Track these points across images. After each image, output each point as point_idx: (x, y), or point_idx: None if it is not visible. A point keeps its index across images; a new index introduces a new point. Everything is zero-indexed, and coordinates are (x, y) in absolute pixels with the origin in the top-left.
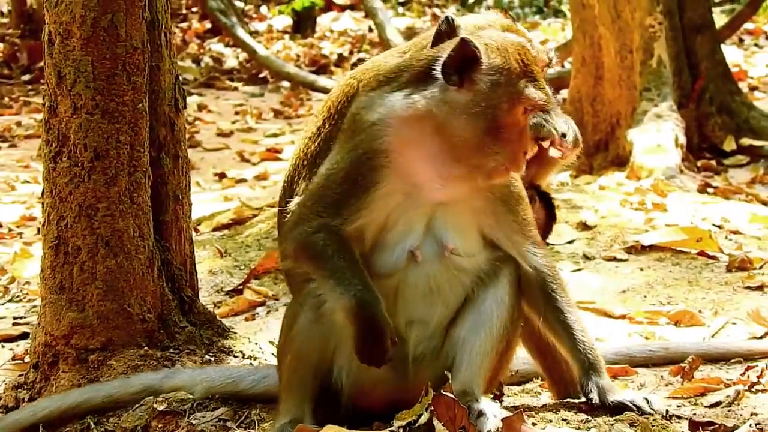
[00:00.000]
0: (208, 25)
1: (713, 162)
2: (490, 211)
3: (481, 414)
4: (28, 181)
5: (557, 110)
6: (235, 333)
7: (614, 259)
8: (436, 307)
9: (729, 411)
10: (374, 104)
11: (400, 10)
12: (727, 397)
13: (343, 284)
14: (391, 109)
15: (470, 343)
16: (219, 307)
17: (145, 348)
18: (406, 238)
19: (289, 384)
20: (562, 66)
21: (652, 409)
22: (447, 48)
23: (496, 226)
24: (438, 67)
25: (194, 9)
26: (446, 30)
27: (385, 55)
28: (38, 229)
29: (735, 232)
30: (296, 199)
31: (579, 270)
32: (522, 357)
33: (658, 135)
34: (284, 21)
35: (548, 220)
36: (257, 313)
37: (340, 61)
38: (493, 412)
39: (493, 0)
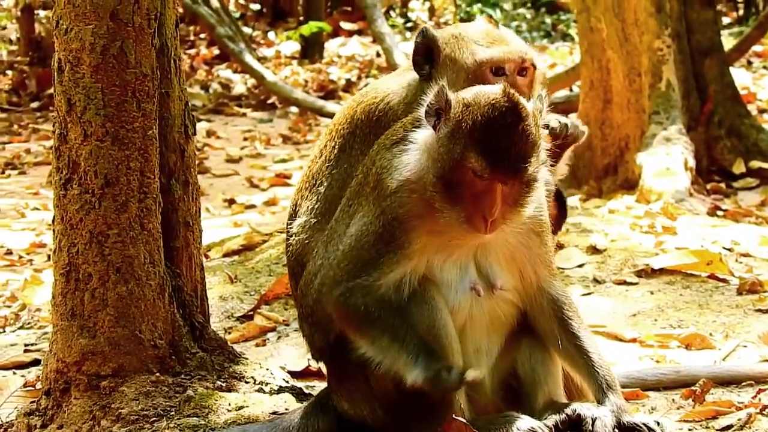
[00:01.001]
0: (216, 51)
1: (723, 185)
2: (524, 245)
3: (594, 419)
4: (37, 208)
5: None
6: (246, 359)
7: (624, 282)
8: (495, 337)
9: None
10: (392, 168)
11: (408, 35)
12: (739, 420)
13: (399, 341)
14: (405, 174)
15: (540, 362)
16: (230, 333)
17: (157, 374)
18: (463, 276)
19: None
20: (571, 90)
21: None
22: (429, 93)
23: (528, 258)
24: (422, 113)
25: (202, 35)
26: (423, 42)
27: (384, 79)
28: (49, 256)
29: (745, 255)
30: (322, 251)
31: (589, 294)
32: None
33: (667, 158)
34: (292, 47)
35: (559, 217)
36: (268, 339)
37: (348, 86)
38: (598, 411)
39: (500, 24)
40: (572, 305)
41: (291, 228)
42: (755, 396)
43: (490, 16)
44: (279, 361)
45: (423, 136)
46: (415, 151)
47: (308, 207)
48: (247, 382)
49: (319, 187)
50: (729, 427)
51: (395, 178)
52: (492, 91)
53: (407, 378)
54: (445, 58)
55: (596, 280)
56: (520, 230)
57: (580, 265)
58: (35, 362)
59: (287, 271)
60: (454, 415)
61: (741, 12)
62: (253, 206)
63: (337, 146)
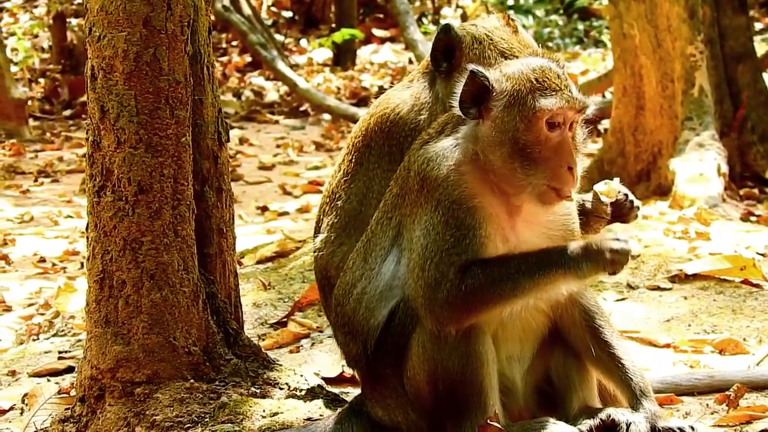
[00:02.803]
0: (248, 58)
1: (756, 190)
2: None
3: (629, 424)
4: (70, 216)
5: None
6: (281, 365)
7: (658, 288)
8: (527, 345)
9: None
10: (433, 160)
11: None
12: None
13: (537, 264)
14: (450, 159)
15: (574, 368)
16: (263, 340)
17: (191, 381)
18: None
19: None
20: (604, 96)
21: None
22: (460, 84)
23: None
24: (456, 107)
25: (234, 43)
26: (445, 39)
27: (394, 88)
28: (82, 264)
29: None
30: (360, 262)
31: (623, 299)
32: None
33: (700, 164)
34: (324, 54)
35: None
36: (302, 345)
37: (381, 93)
38: (633, 417)
39: (533, 30)
40: (603, 314)
41: (315, 243)
42: None
43: (508, 16)
44: (313, 368)
45: (468, 132)
46: (455, 143)
47: (328, 222)
48: (281, 389)
49: (337, 202)
50: (763, 431)
51: (441, 165)
52: (527, 58)
53: (574, 275)
54: (470, 62)
55: (630, 286)
56: (553, 237)
57: None
58: (69, 369)
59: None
60: (488, 421)
61: None
62: (286, 213)
63: (354, 160)
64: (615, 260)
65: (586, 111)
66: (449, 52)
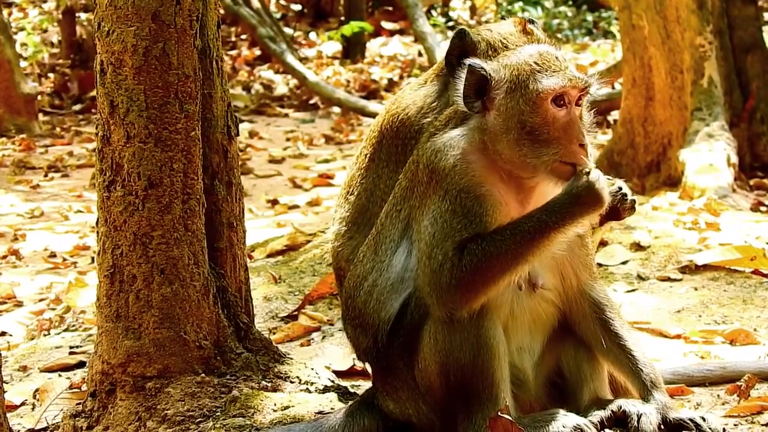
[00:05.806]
0: (257, 52)
1: (765, 180)
2: (566, 245)
3: (640, 415)
4: (81, 211)
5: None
6: (291, 359)
7: (668, 279)
8: (537, 336)
9: None
10: (440, 151)
11: (449, 34)
12: None
13: (531, 229)
14: (456, 149)
15: (585, 359)
16: (274, 333)
17: (202, 375)
18: None
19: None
20: (613, 87)
21: (710, 428)
22: (461, 80)
23: (569, 259)
24: (461, 103)
25: (244, 36)
26: (460, 45)
27: (408, 88)
28: (92, 258)
29: None
30: (371, 254)
31: (633, 290)
32: None
33: (709, 155)
34: (334, 47)
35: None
36: (312, 339)
37: (390, 86)
38: (644, 408)
39: (542, 21)
40: (614, 306)
41: (328, 235)
42: None
43: (524, 21)
44: (324, 361)
45: (474, 126)
46: (462, 133)
47: (340, 215)
48: (292, 382)
49: (349, 196)
50: None
51: (448, 155)
52: (523, 47)
53: (570, 225)
54: None
55: (640, 277)
56: None
57: (624, 262)
58: (80, 364)
59: (332, 273)
60: (499, 413)
61: None
62: (296, 206)
63: (368, 155)
64: (601, 195)
65: (590, 89)
66: (463, 57)
